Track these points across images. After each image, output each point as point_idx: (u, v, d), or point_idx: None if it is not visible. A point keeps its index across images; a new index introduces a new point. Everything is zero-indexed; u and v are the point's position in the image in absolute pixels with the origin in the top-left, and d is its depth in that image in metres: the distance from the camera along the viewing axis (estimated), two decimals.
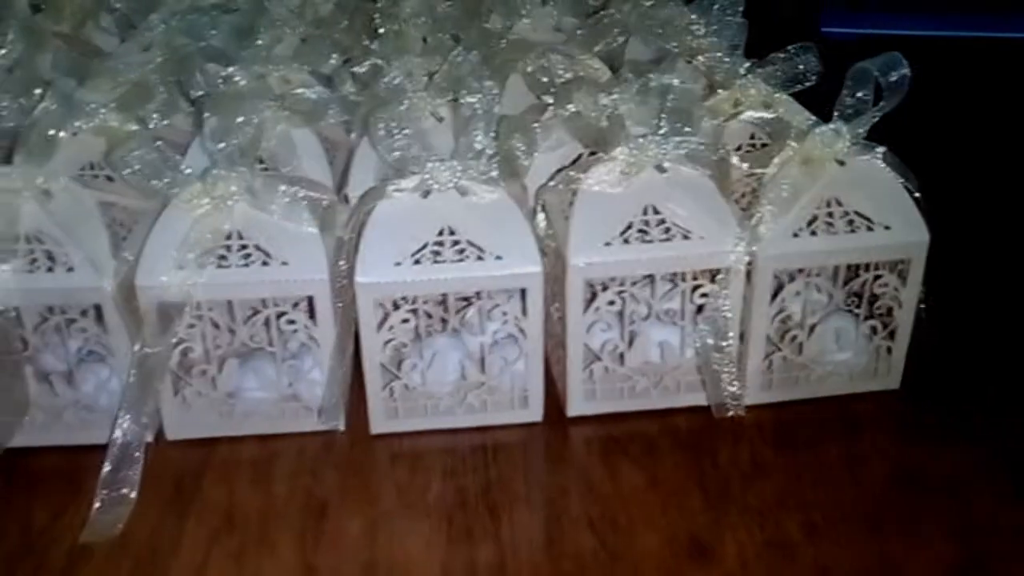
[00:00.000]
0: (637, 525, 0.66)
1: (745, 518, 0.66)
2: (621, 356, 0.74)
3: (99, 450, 0.71)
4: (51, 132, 0.72)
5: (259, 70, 0.93)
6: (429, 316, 0.73)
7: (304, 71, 0.95)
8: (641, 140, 0.71)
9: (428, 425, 0.75)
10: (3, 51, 0.95)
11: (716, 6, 0.96)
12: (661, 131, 0.73)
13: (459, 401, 0.74)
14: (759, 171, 0.76)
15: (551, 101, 0.85)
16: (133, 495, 0.68)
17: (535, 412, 0.75)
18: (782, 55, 0.85)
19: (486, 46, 0.96)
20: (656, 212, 0.71)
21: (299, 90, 0.85)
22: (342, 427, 0.75)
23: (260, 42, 0.96)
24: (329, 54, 0.99)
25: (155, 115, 0.84)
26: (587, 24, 1.05)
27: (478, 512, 0.67)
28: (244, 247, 0.70)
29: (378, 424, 0.74)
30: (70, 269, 0.69)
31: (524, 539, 0.65)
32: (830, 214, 0.72)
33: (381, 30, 1.04)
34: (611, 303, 0.71)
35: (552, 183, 0.74)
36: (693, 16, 1.04)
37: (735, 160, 0.77)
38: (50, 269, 0.69)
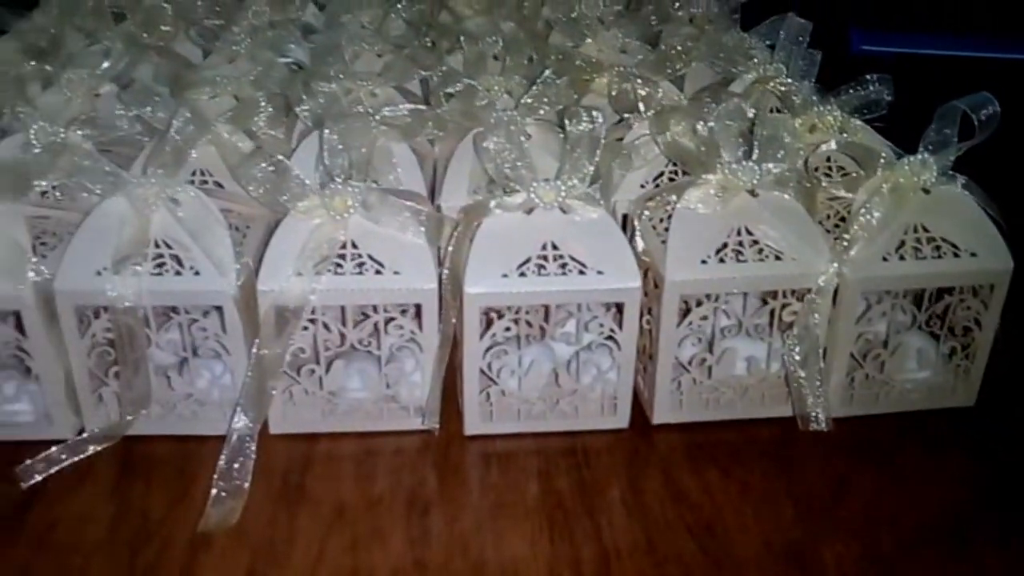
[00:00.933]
0: (733, 532, 0.66)
1: (838, 529, 0.66)
2: (709, 369, 0.74)
3: (209, 441, 0.72)
4: (182, 145, 0.73)
5: (348, 85, 0.94)
6: (529, 325, 0.73)
7: (389, 87, 0.96)
8: (735, 166, 0.72)
9: (520, 428, 0.75)
10: (107, 63, 0.96)
11: (783, 35, 0.97)
12: (754, 157, 0.73)
13: (551, 406, 0.75)
14: (843, 195, 0.76)
15: (633, 121, 0.86)
16: (247, 487, 0.68)
17: (622, 419, 0.76)
18: (857, 83, 0.85)
19: (558, 65, 0.97)
20: (749, 233, 0.72)
21: (402, 106, 0.85)
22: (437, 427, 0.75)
23: (345, 58, 0.97)
24: (412, 71, 1.00)
25: (263, 127, 0.85)
26: (657, 49, 1.05)
27: (577, 514, 0.68)
28: (358, 256, 0.70)
29: (473, 426, 0.75)
30: (196, 272, 0.70)
31: (625, 542, 0.65)
32: (918, 240, 0.72)
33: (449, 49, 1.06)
34: (704, 318, 0.72)
35: (650, 203, 0.75)
36: (753, 41, 1.05)
37: (826, 184, 0.77)
38: (178, 272, 0.70)
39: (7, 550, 0.65)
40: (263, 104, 0.87)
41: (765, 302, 0.73)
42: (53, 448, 0.72)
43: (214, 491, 0.68)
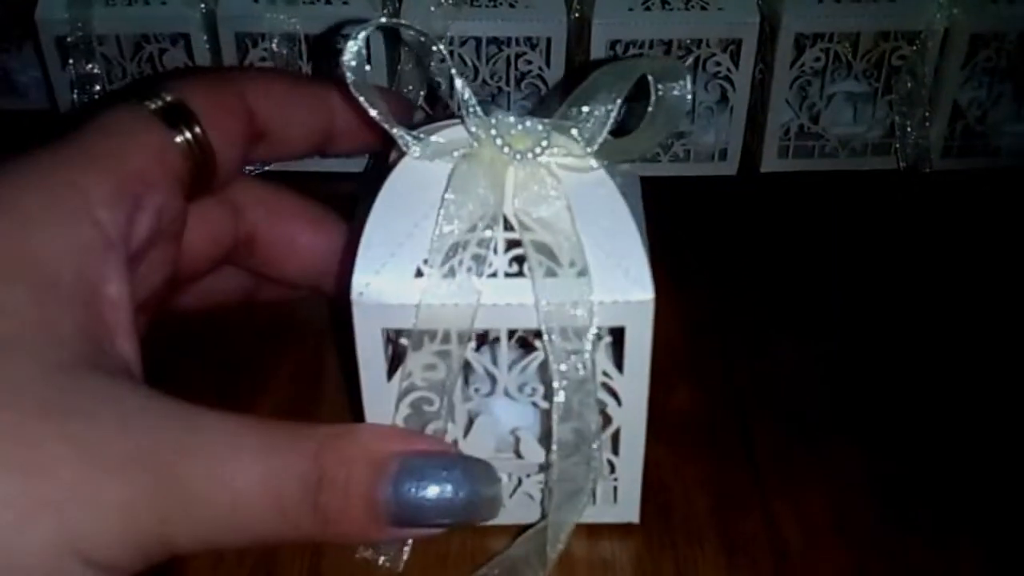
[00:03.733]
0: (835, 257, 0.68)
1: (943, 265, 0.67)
2: (817, 115, 0.75)
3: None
4: None
5: None
6: None
7: None
8: None
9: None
10: None
11: None
12: None
13: (664, 150, 0.76)
14: None
15: None
16: None
17: (732, 166, 0.77)
18: None
19: None
20: None
21: None
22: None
23: None
24: None
25: None
26: None
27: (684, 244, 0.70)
28: None
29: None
30: (345, 3, 0.72)
31: (734, 259, 0.67)
32: None
33: None
34: (816, 59, 0.72)
35: None
36: None
37: None
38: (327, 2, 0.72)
39: None
40: None
41: (877, 44, 0.73)
42: None
43: None
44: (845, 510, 0.48)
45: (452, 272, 0.40)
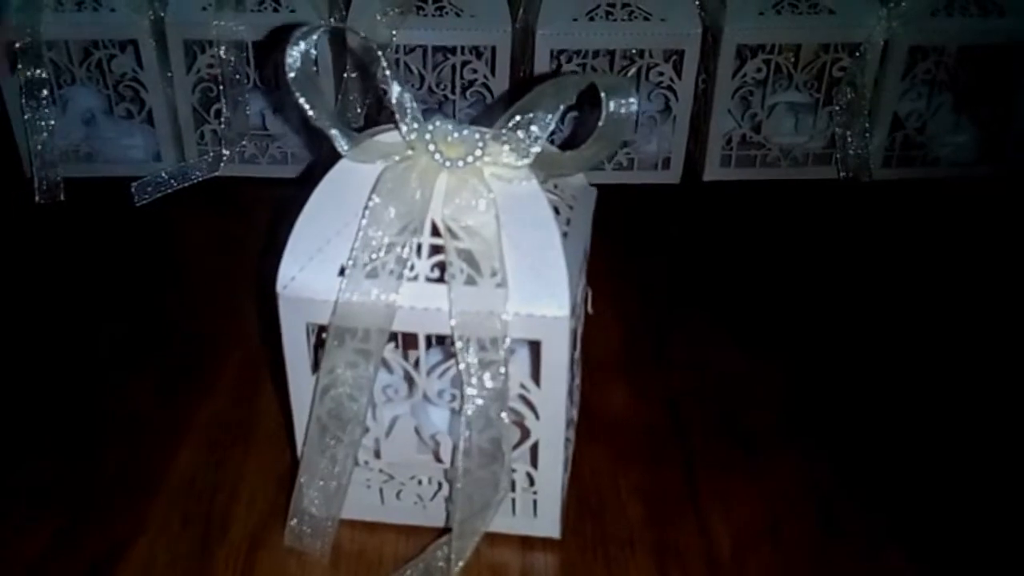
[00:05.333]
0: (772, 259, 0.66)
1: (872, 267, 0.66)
2: (759, 124, 0.73)
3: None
4: None
5: None
6: (595, 69, 0.72)
7: None
8: None
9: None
10: None
11: None
12: None
13: (607, 159, 0.74)
14: None
15: None
16: None
17: (675, 174, 0.75)
18: None
19: None
20: None
21: None
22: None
23: None
24: None
25: None
26: None
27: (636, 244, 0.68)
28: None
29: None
30: (292, 10, 0.70)
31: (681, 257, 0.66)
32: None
33: None
34: (758, 70, 0.71)
35: None
36: None
37: None
38: (275, 9, 0.70)
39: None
40: None
41: (818, 56, 0.71)
42: (162, 173, 0.73)
43: None
44: (778, 518, 0.46)
45: (375, 273, 0.38)
